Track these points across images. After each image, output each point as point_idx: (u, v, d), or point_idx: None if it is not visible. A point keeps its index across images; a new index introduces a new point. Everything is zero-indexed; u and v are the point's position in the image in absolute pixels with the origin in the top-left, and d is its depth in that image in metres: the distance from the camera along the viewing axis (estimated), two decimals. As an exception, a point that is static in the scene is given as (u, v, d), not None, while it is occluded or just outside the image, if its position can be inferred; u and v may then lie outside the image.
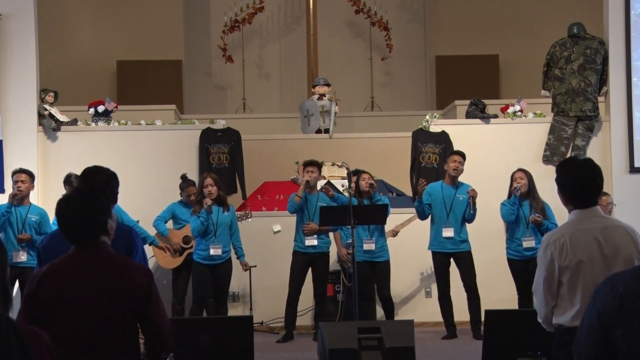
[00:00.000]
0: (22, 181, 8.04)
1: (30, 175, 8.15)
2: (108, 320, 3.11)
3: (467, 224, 8.31)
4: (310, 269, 8.31)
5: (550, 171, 9.88)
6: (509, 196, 8.13)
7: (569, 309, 3.54)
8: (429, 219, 8.37)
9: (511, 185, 8.14)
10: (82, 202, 3.26)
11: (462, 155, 8.39)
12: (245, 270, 8.38)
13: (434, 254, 8.35)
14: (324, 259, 8.33)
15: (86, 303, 3.10)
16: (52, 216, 8.61)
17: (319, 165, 8.43)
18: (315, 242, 8.23)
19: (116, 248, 3.87)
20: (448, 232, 8.20)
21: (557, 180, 3.69)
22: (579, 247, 3.52)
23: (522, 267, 8.09)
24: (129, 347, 3.16)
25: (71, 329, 3.09)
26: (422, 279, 9.53)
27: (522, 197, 8.07)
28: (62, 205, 3.29)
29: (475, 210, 8.20)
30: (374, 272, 8.23)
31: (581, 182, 3.59)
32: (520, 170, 8.24)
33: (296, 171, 9.48)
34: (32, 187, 8.20)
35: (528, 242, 8.04)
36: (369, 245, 8.15)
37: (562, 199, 3.68)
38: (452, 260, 8.32)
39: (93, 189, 3.48)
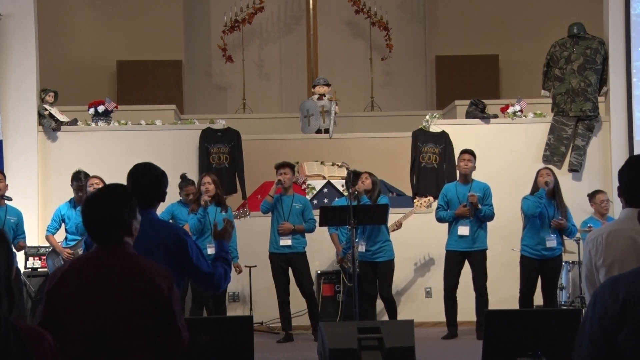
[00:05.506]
0: None
1: (3, 174, 8.11)
2: (124, 320, 3.07)
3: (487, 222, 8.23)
4: (290, 270, 8.32)
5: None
6: (532, 192, 8.03)
7: None
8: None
9: (535, 181, 8.04)
10: (106, 202, 3.19)
11: (470, 152, 8.36)
12: (238, 272, 8.39)
13: (449, 252, 8.30)
14: (301, 259, 8.31)
15: (102, 302, 3.08)
16: (50, 215, 8.64)
17: (291, 167, 8.50)
18: (289, 242, 8.24)
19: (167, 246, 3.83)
20: (464, 231, 8.16)
21: (618, 174, 3.58)
22: (613, 247, 3.42)
23: (534, 266, 7.98)
24: (144, 349, 3.12)
25: (87, 327, 3.08)
26: (422, 278, 9.52)
27: (547, 195, 7.94)
28: (87, 204, 3.23)
29: (480, 212, 8.10)
30: (376, 272, 8.21)
31: (631, 179, 3.46)
32: (547, 167, 8.20)
33: (297, 171, 9.48)
34: (7, 186, 8.10)
35: (551, 242, 7.93)
36: (361, 247, 8.09)
37: (618, 194, 3.59)
38: (466, 260, 8.24)
39: (121, 189, 3.31)
